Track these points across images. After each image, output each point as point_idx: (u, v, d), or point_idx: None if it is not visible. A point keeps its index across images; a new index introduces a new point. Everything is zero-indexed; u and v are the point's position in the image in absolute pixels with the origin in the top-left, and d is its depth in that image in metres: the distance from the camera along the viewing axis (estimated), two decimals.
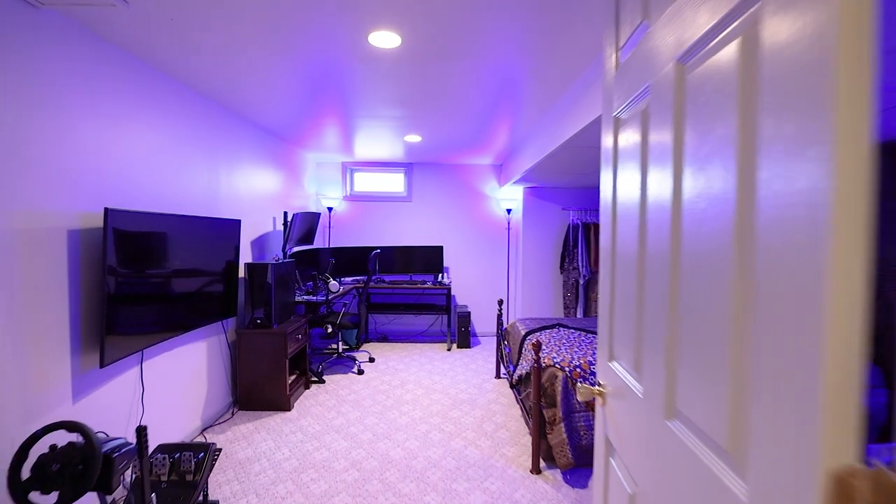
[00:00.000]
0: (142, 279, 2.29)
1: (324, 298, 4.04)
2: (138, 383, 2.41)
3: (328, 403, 3.57)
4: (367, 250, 5.42)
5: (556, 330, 3.49)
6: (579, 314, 5.06)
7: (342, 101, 3.15)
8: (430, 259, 5.54)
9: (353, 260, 5.37)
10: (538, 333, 3.39)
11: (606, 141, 1.28)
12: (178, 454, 2.09)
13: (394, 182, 5.96)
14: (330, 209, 5.72)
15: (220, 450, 2.53)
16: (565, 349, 2.96)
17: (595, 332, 3.41)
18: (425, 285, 5.27)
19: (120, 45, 2.21)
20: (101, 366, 1.96)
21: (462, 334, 5.25)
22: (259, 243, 4.00)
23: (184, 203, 2.87)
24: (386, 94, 2.98)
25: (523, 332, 3.48)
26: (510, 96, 3.00)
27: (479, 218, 5.83)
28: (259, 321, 3.42)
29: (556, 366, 2.69)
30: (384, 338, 5.71)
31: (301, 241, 4.45)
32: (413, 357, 4.88)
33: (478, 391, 3.85)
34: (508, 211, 5.67)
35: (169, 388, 2.72)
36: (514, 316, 5.83)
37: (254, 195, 3.88)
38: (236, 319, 3.53)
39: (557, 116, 3.09)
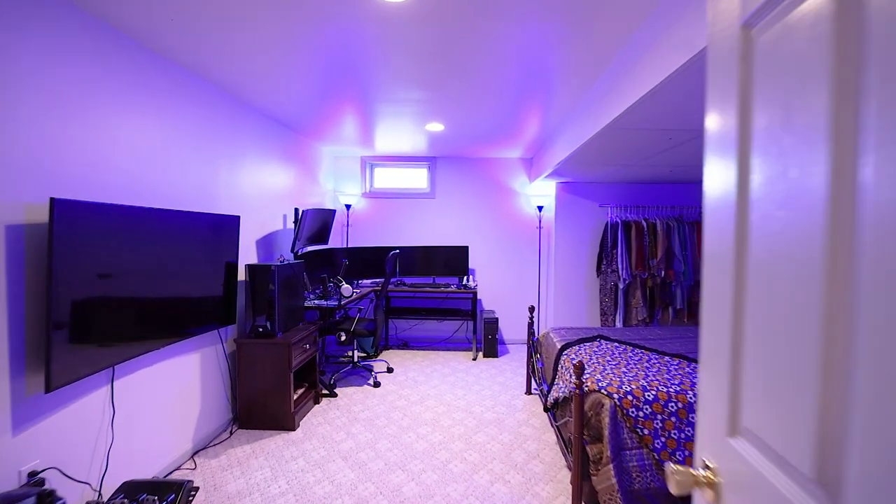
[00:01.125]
0: (108, 283, 1.93)
1: (336, 303, 3.64)
2: (108, 405, 2.06)
3: (338, 422, 3.17)
4: (386, 251, 5.01)
5: (597, 343, 2.96)
6: (618, 322, 4.48)
7: (355, 79, 2.74)
8: (454, 260, 5.08)
9: (371, 261, 4.98)
10: (576, 348, 2.87)
11: (721, 68, 0.78)
12: (142, 496, 1.71)
13: (416, 178, 5.54)
14: (348, 207, 5.35)
15: (196, 489, 2.15)
16: (611, 368, 2.43)
17: (643, 347, 2.86)
18: (449, 289, 4.82)
19: (84, 8, 1.86)
20: (47, 390, 1.60)
21: (489, 342, 4.77)
22: (266, 243, 3.65)
23: (171, 196, 2.52)
24: (401, 67, 2.53)
25: (559, 346, 2.96)
26: (541, 73, 2.50)
27: (508, 216, 5.33)
28: (261, 329, 3.05)
29: (602, 391, 2.17)
30: (405, 344, 5.29)
31: (313, 241, 4.08)
32: (435, 367, 4.43)
33: (506, 410, 3.36)
34: (540, 208, 5.14)
35: (151, 408, 2.38)
36: (545, 323, 5.29)
37: (260, 190, 3.53)
38: (237, 327, 3.18)
39: (598, 96, 2.57)
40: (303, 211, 3.60)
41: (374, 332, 3.88)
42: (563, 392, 2.49)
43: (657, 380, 2.24)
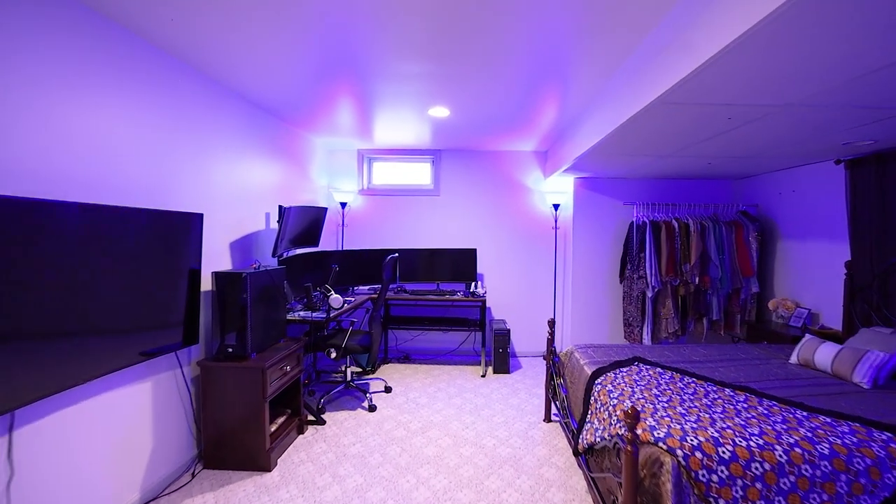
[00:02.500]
0: None
1: (324, 316, 3.13)
2: (5, 464, 1.55)
3: (323, 459, 2.65)
4: (385, 254, 4.50)
5: (635, 369, 2.41)
6: (645, 335, 3.94)
7: (349, 53, 2.22)
8: (460, 264, 4.55)
9: (369, 265, 4.46)
10: (611, 374, 2.32)
11: None
12: None
13: (419, 173, 5.01)
14: (343, 205, 4.84)
15: None
16: (663, 407, 1.89)
17: (694, 375, 2.31)
18: (455, 296, 4.29)
19: None
20: None
21: (499, 356, 4.23)
22: (244, 245, 3.14)
23: (113, 189, 2.01)
24: (402, 34, 2.01)
25: (588, 371, 2.42)
26: (563, 50, 1.98)
27: (520, 215, 4.79)
28: (230, 350, 2.54)
29: (661, 444, 1.63)
30: (406, 357, 4.77)
31: (300, 243, 3.57)
32: (439, 385, 3.91)
33: (523, 443, 2.82)
34: (556, 207, 4.60)
35: (80, 455, 1.87)
36: (562, 335, 4.75)
37: (237, 185, 3.02)
38: (203, 346, 2.67)
39: (637, 70, 2.04)
40: (286, 208, 3.08)
41: (369, 348, 3.36)
42: (602, 437, 1.95)
43: (728, 426, 1.70)
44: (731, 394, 2.01)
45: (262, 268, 2.73)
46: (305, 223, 3.55)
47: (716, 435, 1.64)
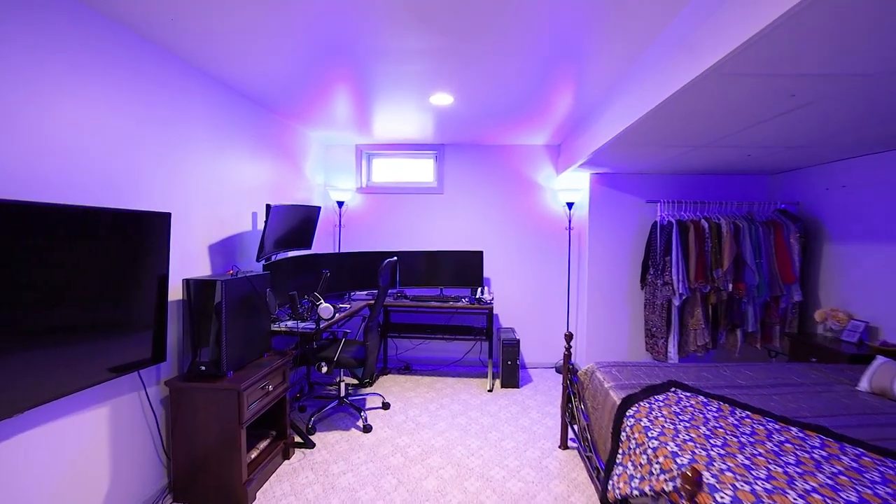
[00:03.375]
0: None
1: (313, 328, 2.82)
2: None
3: (308, 493, 2.34)
4: (385, 256, 4.19)
5: (674, 397, 2.06)
6: (671, 348, 3.58)
7: (341, 28, 1.90)
8: (465, 268, 4.23)
9: (367, 269, 4.15)
10: (645, 405, 1.98)
11: None
12: None
13: (421, 170, 4.70)
14: (340, 204, 4.54)
15: None
16: (719, 454, 1.54)
17: (749, 408, 1.96)
18: (459, 303, 3.96)
19: None
20: None
21: (508, 369, 3.91)
22: (226, 249, 2.84)
23: (63, 186, 1.72)
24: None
25: (616, 399, 2.08)
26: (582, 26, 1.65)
27: (531, 214, 4.46)
28: (203, 368, 2.24)
29: None
30: (406, 367, 4.46)
31: (289, 245, 3.27)
32: (442, 401, 3.59)
33: (536, 476, 2.50)
34: (569, 205, 4.26)
35: (16, 491, 1.57)
36: (577, 347, 4.41)
37: (219, 182, 2.73)
38: (175, 363, 2.37)
39: (677, 42, 1.71)
40: (271, 207, 2.78)
41: (363, 362, 3.05)
42: (640, 490, 1.61)
43: (812, 488, 1.34)
44: (801, 435, 1.66)
45: (240, 274, 2.42)
46: (294, 223, 3.25)
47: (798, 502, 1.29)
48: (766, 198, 3.88)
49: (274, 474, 2.53)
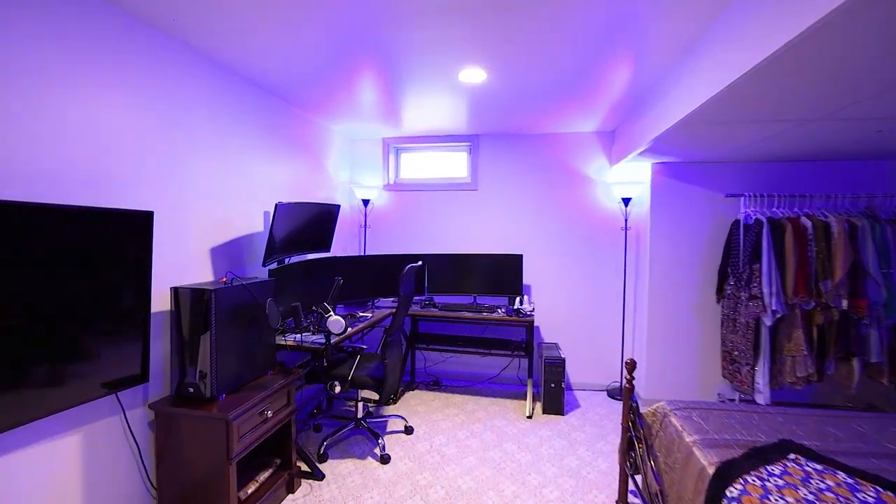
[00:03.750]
0: None
1: (323, 342, 2.48)
2: None
3: None
4: (409, 260, 3.82)
5: (798, 471, 1.49)
6: (760, 379, 2.92)
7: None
8: (502, 274, 3.78)
9: (393, 274, 3.79)
10: (757, 480, 1.44)
11: None
12: None
13: (453, 164, 4.30)
14: (366, 202, 4.23)
15: None
16: None
17: None
18: (494, 314, 3.51)
19: None
20: None
21: (551, 392, 3.41)
22: (232, 252, 2.57)
23: (37, 180, 1.46)
24: None
25: (707, 466, 1.55)
26: None
27: (578, 212, 3.93)
28: (192, 390, 1.95)
29: None
30: (436, 383, 4.06)
31: (303, 247, 2.96)
32: (473, 427, 3.16)
33: None
34: (625, 202, 3.70)
35: None
36: (636, 372, 3.83)
37: (220, 179, 2.46)
38: (169, 382, 2.10)
39: None
40: (277, 205, 2.47)
41: (382, 382, 2.68)
42: None
43: None
44: None
45: (236, 281, 2.12)
46: (307, 223, 2.95)
47: None
48: (893, 188, 3.12)
49: None
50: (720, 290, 3.27)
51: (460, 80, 2.61)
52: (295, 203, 2.64)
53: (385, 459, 2.69)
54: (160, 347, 2.06)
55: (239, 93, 2.62)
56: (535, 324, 4.01)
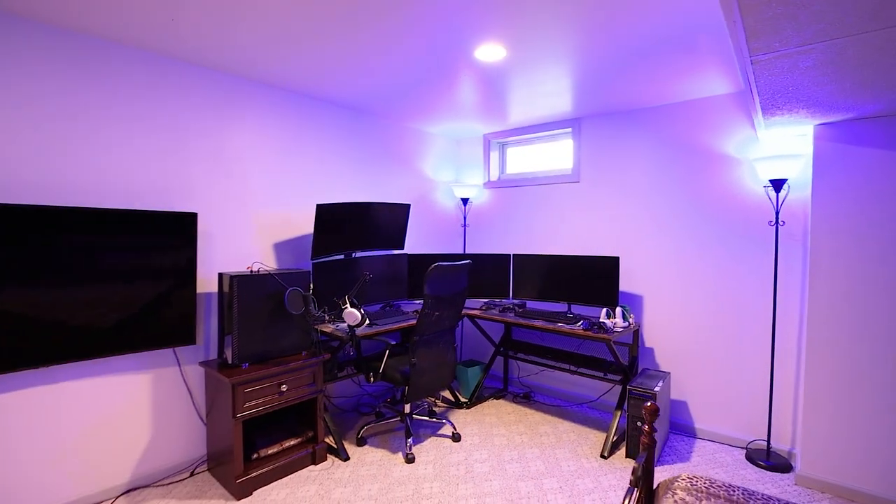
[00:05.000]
0: None
1: (347, 333, 2.69)
2: None
3: None
4: (501, 259, 3.66)
5: None
6: None
7: None
8: (594, 280, 3.21)
9: (479, 273, 3.72)
10: None
11: None
12: None
13: (557, 156, 3.91)
14: (465, 201, 4.25)
15: None
16: None
17: None
18: (571, 327, 3.02)
19: None
20: None
21: (638, 433, 2.71)
22: (297, 246, 3.08)
23: (123, 193, 2.21)
24: None
25: None
26: None
27: (710, 201, 2.99)
28: (225, 357, 2.47)
29: None
30: (527, 396, 3.76)
31: (362, 245, 3.24)
32: (526, 452, 2.82)
33: None
34: (777, 186, 2.61)
35: (55, 434, 2.10)
36: (783, 424, 2.68)
37: (282, 187, 2.99)
38: (219, 349, 2.69)
39: None
40: (317, 206, 2.82)
41: (408, 379, 2.72)
42: None
43: None
44: None
45: (262, 270, 2.54)
46: (366, 223, 3.20)
47: None
48: None
49: (293, 475, 2.53)
50: None
51: (478, 57, 2.39)
52: (338, 203, 2.92)
53: (410, 459, 2.70)
54: (215, 321, 2.66)
55: (315, 111, 3.11)
56: (648, 345, 3.25)
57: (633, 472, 1.48)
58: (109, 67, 2.22)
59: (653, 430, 1.61)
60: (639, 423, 2.71)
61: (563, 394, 3.68)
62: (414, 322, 3.02)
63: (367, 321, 2.63)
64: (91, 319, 2.10)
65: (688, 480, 1.60)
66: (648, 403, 1.64)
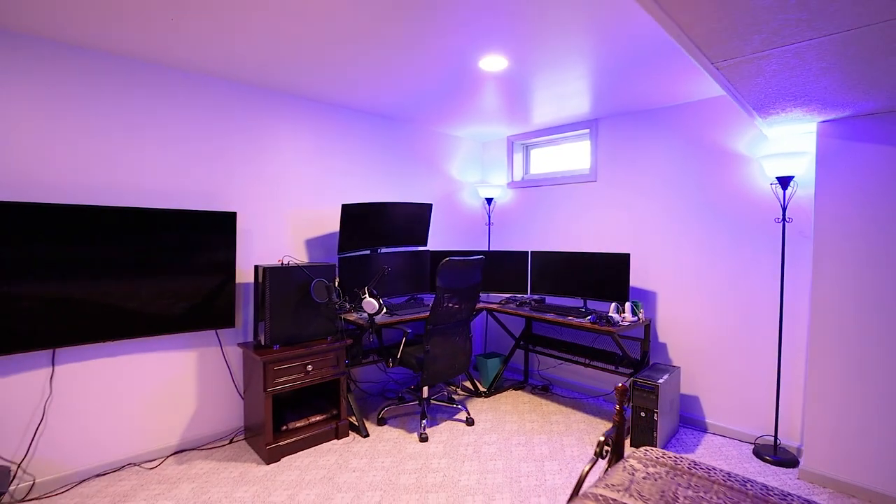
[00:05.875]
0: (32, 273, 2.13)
1: (368, 320, 2.98)
2: (45, 386, 2.29)
3: (311, 477, 2.53)
4: (519, 255, 3.85)
5: None
6: None
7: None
8: (606, 276, 3.34)
9: (499, 268, 3.92)
10: None
11: None
12: None
13: (576, 156, 4.05)
14: (489, 201, 4.46)
15: None
16: None
17: None
18: (583, 319, 3.16)
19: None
20: None
21: (640, 423, 2.83)
22: (325, 243, 3.41)
23: (169, 195, 2.63)
24: None
25: None
26: None
27: (720, 201, 3.05)
28: (259, 339, 2.83)
29: None
30: (545, 388, 3.92)
31: (386, 241, 3.53)
32: (533, 438, 2.99)
33: None
34: (784, 183, 2.65)
35: (122, 395, 2.53)
36: (790, 419, 2.71)
37: (313, 189, 3.33)
38: (255, 332, 3.06)
39: None
40: (342, 206, 3.13)
41: (422, 367, 2.97)
42: None
43: None
44: None
45: (292, 263, 2.88)
46: (390, 221, 3.48)
47: None
48: None
49: (318, 447, 2.84)
50: None
51: (481, 67, 2.62)
52: (361, 203, 3.23)
53: (423, 438, 2.95)
54: (252, 308, 3.03)
55: (346, 120, 3.44)
56: (662, 341, 3.33)
57: (598, 444, 1.66)
58: (174, 92, 2.63)
59: (623, 409, 1.77)
60: (643, 414, 2.82)
61: (580, 387, 3.81)
62: (379, 312, 3.28)
63: (385, 310, 2.91)
64: (147, 303, 2.50)
65: (643, 451, 1.75)
66: (619, 385, 1.80)
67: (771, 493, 1.50)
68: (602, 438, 1.68)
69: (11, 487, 2.19)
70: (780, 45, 1.44)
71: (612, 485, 1.53)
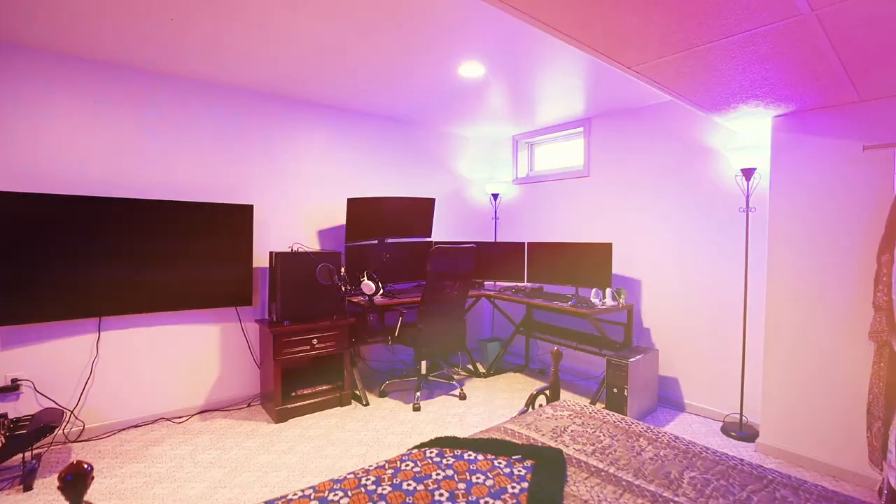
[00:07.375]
0: (71, 253, 2.69)
1: (367, 300, 3.40)
2: (93, 349, 2.85)
3: (312, 433, 2.97)
4: (516, 247, 4.18)
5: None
6: (893, 449, 1.85)
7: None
8: (592, 264, 3.61)
9: (500, 258, 4.26)
10: None
11: None
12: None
13: (573, 154, 4.33)
14: (495, 196, 4.80)
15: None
16: None
17: None
18: (567, 304, 3.44)
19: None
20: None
21: (613, 399, 3.11)
22: (336, 234, 3.87)
23: (205, 189, 3.15)
24: None
25: None
26: None
27: (695, 193, 3.27)
28: (272, 315, 3.31)
29: None
30: (542, 371, 4.23)
31: (392, 232, 3.94)
32: (514, 404, 3.32)
33: None
34: (747, 174, 2.85)
35: (157, 359, 3.06)
36: (752, 398, 2.90)
37: (323, 185, 3.79)
38: (269, 311, 3.53)
39: None
40: (347, 200, 3.57)
41: (416, 343, 3.36)
42: None
43: None
44: None
45: (301, 249, 3.34)
46: (395, 214, 3.89)
47: None
48: None
49: (322, 412, 3.28)
50: (878, 299, 2.15)
51: (459, 74, 2.98)
52: (365, 197, 3.66)
53: (416, 408, 3.34)
54: (268, 289, 3.52)
55: (357, 122, 3.89)
56: (645, 325, 3.57)
57: (529, 397, 1.98)
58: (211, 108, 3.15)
59: (557, 370, 2.07)
60: (615, 390, 3.09)
61: (575, 370, 4.09)
62: (377, 293, 3.67)
63: (381, 291, 3.32)
64: (177, 282, 3.02)
65: (561, 402, 2.05)
66: (555, 349, 2.12)
67: (660, 435, 1.77)
68: (534, 392, 2.00)
69: (67, 430, 2.74)
70: (665, 56, 1.73)
71: (520, 421, 1.86)
